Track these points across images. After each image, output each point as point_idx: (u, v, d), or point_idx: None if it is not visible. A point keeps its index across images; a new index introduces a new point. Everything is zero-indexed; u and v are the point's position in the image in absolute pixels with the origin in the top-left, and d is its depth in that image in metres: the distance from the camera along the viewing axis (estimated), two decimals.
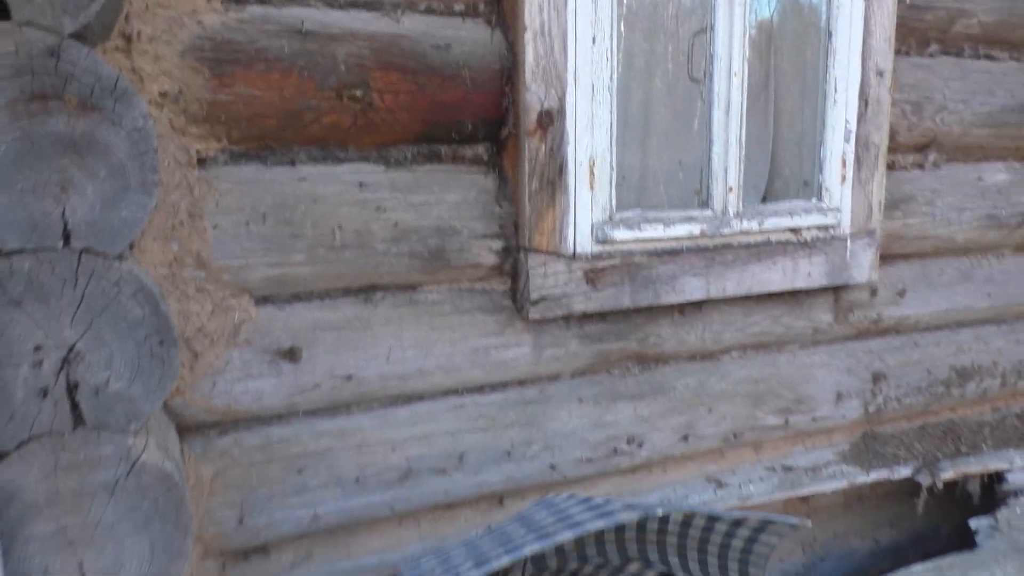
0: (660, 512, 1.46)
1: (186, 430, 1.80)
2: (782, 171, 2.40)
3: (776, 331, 2.40)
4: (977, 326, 2.78)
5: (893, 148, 2.48)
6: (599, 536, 2.00)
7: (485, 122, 1.95)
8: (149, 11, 1.63)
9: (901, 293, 2.59)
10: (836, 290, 2.46)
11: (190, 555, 1.43)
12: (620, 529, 1.97)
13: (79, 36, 1.24)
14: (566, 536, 1.44)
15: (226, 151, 1.75)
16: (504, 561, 1.43)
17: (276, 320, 1.83)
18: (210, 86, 1.69)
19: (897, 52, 2.45)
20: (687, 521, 1.89)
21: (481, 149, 1.97)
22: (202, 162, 1.73)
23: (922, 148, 2.55)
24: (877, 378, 2.57)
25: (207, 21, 1.68)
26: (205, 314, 1.75)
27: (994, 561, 2.18)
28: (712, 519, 1.83)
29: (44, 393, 1.28)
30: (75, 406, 1.31)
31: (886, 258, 2.53)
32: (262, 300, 1.82)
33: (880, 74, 2.30)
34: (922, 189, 2.55)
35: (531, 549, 1.43)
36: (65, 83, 1.22)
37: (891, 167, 2.50)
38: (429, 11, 1.88)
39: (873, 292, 2.54)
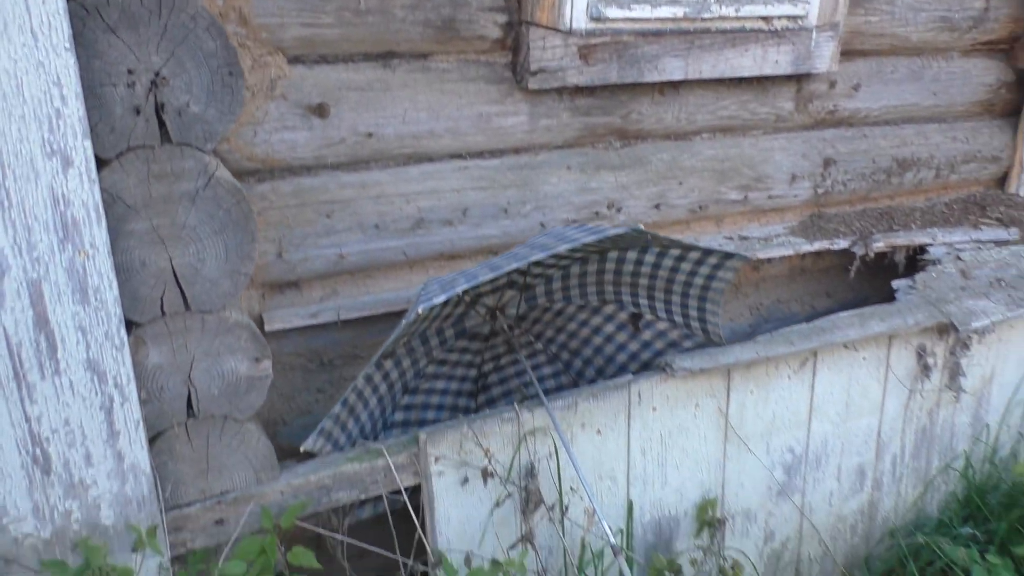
0: (642, 227, 1.78)
1: None
2: None
3: (743, 115, 2.69)
4: (921, 123, 3.10)
5: None
6: (582, 279, 2.36)
7: None
8: None
9: (856, 87, 2.87)
10: (799, 80, 2.73)
11: (255, 258, 1.74)
12: (601, 272, 2.33)
13: None
14: (563, 248, 1.78)
15: None
16: (513, 266, 1.76)
17: (307, 78, 2.06)
18: None
19: None
20: (658, 263, 2.25)
21: None
22: None
23: None
24: (827, 163, 2.90)
25: None
26: (246, 68, 1.97)
27: (908, 310, 2.60)
28: (680, 258, 2.19)
29: (137, 111, 1.53)
30: (162, 124, 1.56)
31: (845, 53, 2.79)
32: (294, 59, 2.04)
33: None
34: None
35: (535, 257, 1.76)
36: None
37: None
38: None
39: (832, 84, 2.81)
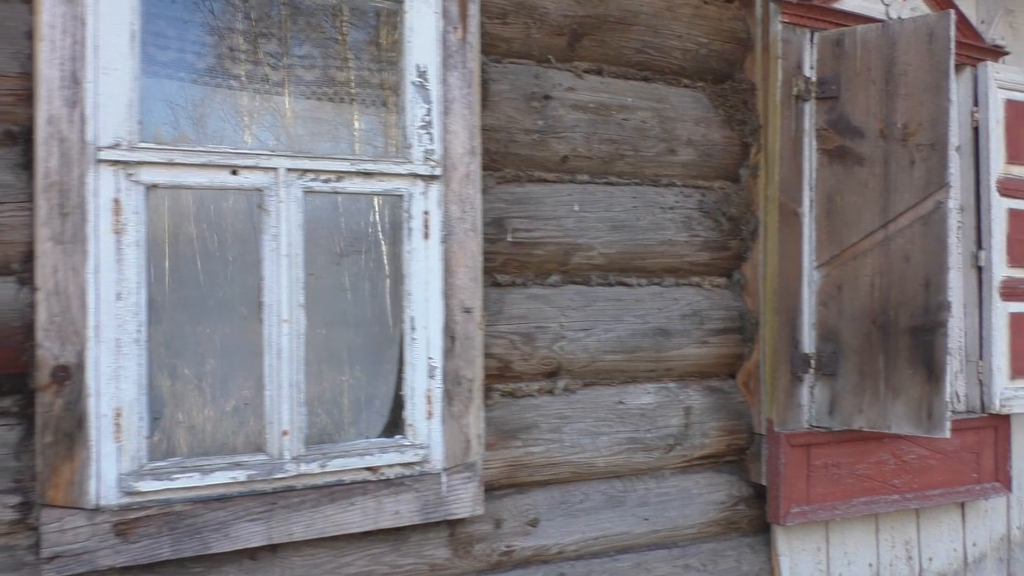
0: None
1: None
2: (368, 407, 2.43)
3: (380, 570, 2.33)
4: (641, 551, 2.72)
5: (512, 377, 2.53)
6: None
7: (9, 376, 1.98)
8: None
9: (534, 523, 2.54)
10: (451, 524, 2.42)
11: None
12: None
13: None
14: None
15: None
16: None
17: None
18: None
19: (512, 284, 2.55)
20: None
21: (9, 402, 1.99)
22: None
23: (551, 375, 2.60)
24: None
25: None
26: None
27: None
28: None
29: None
30: None
31: (513, 487, 2.51)
32: None
33: (468, 311, 2.37)
34: (548, 416, 2.57)
35: None
36: None
37: (513, 395, 2.54)
38: None
39: (497, 523, 2.49)
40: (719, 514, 2.85)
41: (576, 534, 2.61)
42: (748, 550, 2.89)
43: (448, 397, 2.34)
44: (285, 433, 2.16)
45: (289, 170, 2.19)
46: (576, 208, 2.63)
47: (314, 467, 2.18)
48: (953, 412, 3.23)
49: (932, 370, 2.66)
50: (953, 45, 2.66)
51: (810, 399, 2.85)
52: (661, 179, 2.80)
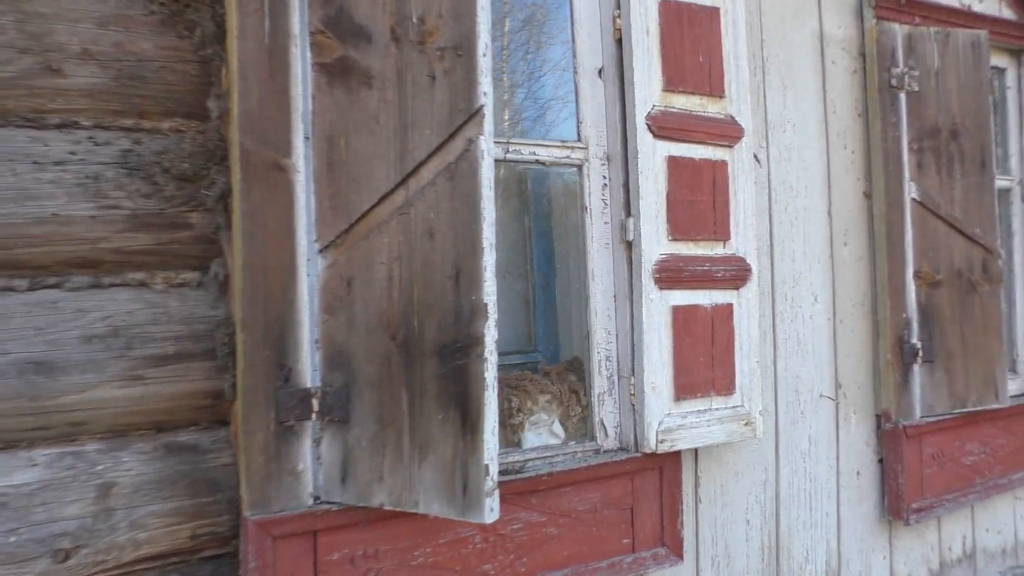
0: None
1: None
2: None
3: None
4: None
5: None
6: None
7: None
8: None
9: None
10: None
11: None
12: None
13: None
14: None
15: None
16: None
17: None
18: None
19: None
20: None
21: None
22: None
23: None
24: None
25: None
26: None
27: None
28: None
29: None
30: None
31: None
32: None
33: None
34: None
35: None
36: None
37: None
38: None
39: None
40: None
41: None
42: None
43: None
44: None
45: None
46: None
47: None
48: (599, 452, 2.26)
49: (468, 414, 1.65)
50: None
51: (315, 460, 1.82)
52: (47, 116, 1.71)
